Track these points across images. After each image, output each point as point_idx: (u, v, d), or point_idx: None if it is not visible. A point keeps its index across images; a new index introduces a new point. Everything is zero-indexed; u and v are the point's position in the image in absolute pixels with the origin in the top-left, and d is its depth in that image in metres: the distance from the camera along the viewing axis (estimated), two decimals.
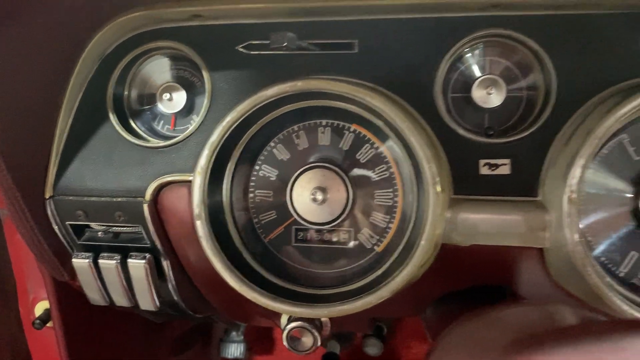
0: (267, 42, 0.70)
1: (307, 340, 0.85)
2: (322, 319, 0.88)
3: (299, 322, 0.83)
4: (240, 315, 0.97)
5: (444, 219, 0.69)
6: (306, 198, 0.74)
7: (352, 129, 0.77)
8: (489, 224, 0.69)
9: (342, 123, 0.77)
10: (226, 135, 0.70)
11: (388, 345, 1.48)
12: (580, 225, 0.72)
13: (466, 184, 0.71)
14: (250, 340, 1.58)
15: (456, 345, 0.52)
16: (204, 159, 0.70)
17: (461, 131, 0.72)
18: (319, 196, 0.72)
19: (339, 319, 0.83)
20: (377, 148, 0.76)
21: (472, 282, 0.79)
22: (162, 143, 0.77)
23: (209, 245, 0.71)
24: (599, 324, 0.41)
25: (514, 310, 0.53)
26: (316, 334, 0.85)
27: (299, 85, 0.68)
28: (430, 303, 0.86)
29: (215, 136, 0.69)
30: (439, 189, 0.67)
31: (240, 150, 0.76)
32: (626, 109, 0.63)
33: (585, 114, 0.69)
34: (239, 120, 0.70)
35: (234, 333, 1.50)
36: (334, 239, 0.78)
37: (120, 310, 0.92)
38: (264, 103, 0.70)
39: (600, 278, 0.65)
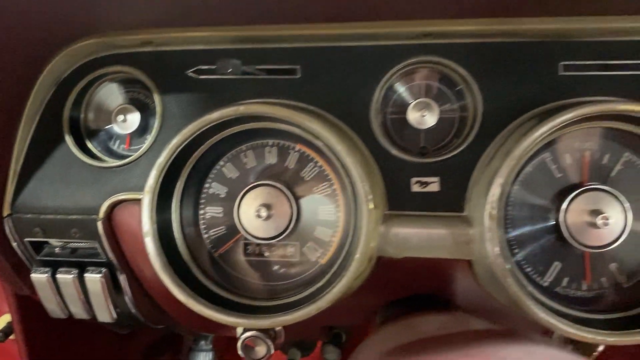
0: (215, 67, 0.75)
1: (261, 349, 0.89)
2: (277, 328, 0.92)
3: (253, 332, 0.87)
4: (197, 325, 1.01)
5: (378, 234, 0.74)
6: (252, 214, 0.78)
7: (297, 149, 0.81)
8: (418, 237, 0.74)
9: (287, 143, 0.81)
10: (173, 157, 0.74)
11: (347, 351, 1.52)
12: (508, 237, 0.77)
13: (399, 201, 0.76)
14: (221, 349, 1.61)
15: (371, 346, 0.57)
16: (152, 179, 0.74)
17: (394, 152, 0.77)
18: (263, 213, 0.77)
19: (293, 328, 0.88)
20: (320, 166, 0.81)
21: (410, 291, 0.84)
22: (115, 163, 0.81)
23: (158, 261, 0.75)
24: (475, 332, 0.45)
25: (421, 319, 0.58)
26: (269, 343, 0.89)
27: (240, 109, 0.73)
28: (378, 310, 0.91)
29: (163, 158, 0.74)
30: (371, 205, 0.72)
31: (190, 169, 0.80)
32: (540, 132, 0.69)
33: (506, 136, 0.74)
34: (185, 143, 0.74)
35: (202, 342, 1.53)
36: (281, 253, 0.82)
37: (85, 322, 0.95)
38: (208, 126, 0.74)
39: (519, 288, 0.70)
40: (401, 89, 0.82)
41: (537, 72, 0.76)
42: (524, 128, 0.72)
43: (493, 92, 0.76)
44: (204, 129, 0.74)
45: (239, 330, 0.89)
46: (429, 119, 0.80)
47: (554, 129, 0.69)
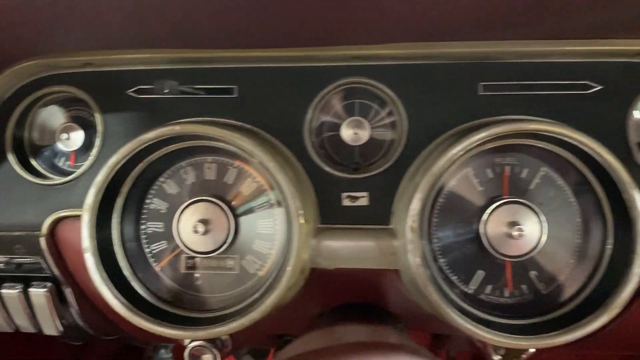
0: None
1: (207, 358, 0.92)
2: (223, 338, 0.95)
3: (199, 342, 0.90)
4: (143, 336, 1.03)
5: (309, 246, 0.78)
6: (191, 229, 0.82)
7: (235, 165, 0.85)
8: (348, 249, 0.78)
9: (226, 159, 0.85)
10: (111, 175, 0.77)
11: None
12: (433, 247, 0.82)
13: (330, 215, 0.81)
14: (180, 356, 1.62)
15: (294, 349, 0.60)
16: (90, 197, 0.77)
17: (327, 168, 0.81)
18: (200, 228, 0.80)
19: (240, 336, 0.91)
20: (258, 182, 0.84)
21: (344, 300, 0.88)
22: (57, 181, 0.84)
23: (97, 276, 0.77)
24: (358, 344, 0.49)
25: (339, 328, 0.62)
26: (216, 352, 0.93)
27: (176, 129, 0.76)
28: (318, 319, 0.95)
29: (101, 176, 0.76)
30: (302, 220, 0.76)
31: (130, 186, 0.83)
32: (455, 150, 0.74)
33: (428, 154, 0.79)
34: (123, 161, 0.77)
35: (162, 350, 1.55)
36: (221, 265, 0.86)
37: (37, 334, 0.96)
38: (146, 145, 0.77)
39: (439, 296, 0.74)
40: (335, 107, 0.86)
41: (458, 92, 0.81)
42: (444, 146, 0.77)
43: (417, 111, 0.81)
44: (140, 148, 0.77)
45: (187, 339, 0.92)
46: (361, 136, 0.84)
47: (470, 147, 0.74)
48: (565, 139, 0.73)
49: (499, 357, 0.94)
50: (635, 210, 0.72)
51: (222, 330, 0.77)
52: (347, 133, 0.84)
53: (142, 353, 1.61)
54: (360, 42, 0.80)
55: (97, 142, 0.84)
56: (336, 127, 0.85)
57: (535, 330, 0.77)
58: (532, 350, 0.92)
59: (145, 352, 1.61)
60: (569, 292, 0.80)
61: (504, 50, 0.80)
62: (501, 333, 0.73)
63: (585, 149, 0.73)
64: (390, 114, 0.84)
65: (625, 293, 0.72)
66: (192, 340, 0.90)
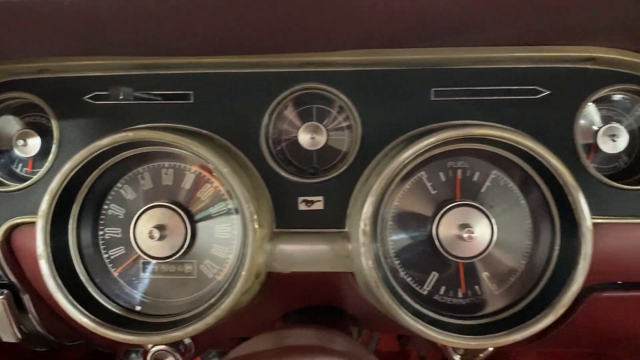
0: None
1: None
2: (186, 342, 0.95)
3: (162, 346, 0.90)
4: (104, 341, 1.03)
5: (264, 251, 0.79)
6: (147, 235, 0.82)
7: (192, 170, 0.85)
8: (303, 253, 0.80)
9: (183, 165, 0.85)
10: (65, 182, 0.77)
11: None
12: (388, 249, 0.83)
13: (286, 219, 0.82)
14: None
15: (238, 350, 0.61)
16: (44, 204, 0.77)
17: (283, 173, 0.82)
18: (156, 234, 0.80)
19: (203, 340, 0.91)
20: (216, 187, 0.85)
21: (304, 303, 0.89)
22: (13, 187, 0.83)
23: (52, 282, 0.77)
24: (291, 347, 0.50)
25: (289, 332, 0.63)
26: (178, 356, 0.93)
27: (130, 135, 0.76)
28: (279, 321, 0.95)
29: (55, 183, 0.76)
30: (256, 225, 0.77)
31: (86, 192, 0.83)
32: (405, 155, 0.75)
33: (381, 158, 0.80)
34: (77, 168, 0.77)
35: (133, 355, 1.54)
36: (179, 270, 0.86)
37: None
38: (100, 152, 0.77)
39: (391, 297, 0.76)
40: (293, 113, 0.87)
41: (411, 98, 0.82)
42: (395, 150, 0.78)
43: (371, 116, 0.82)
44: (94, 154, 0.77)
45: (150, 344, 0.92)
46: (319, 141, 0.85)
47: (420, 151, 0.76)
48: (512, 143, 0.75)
49: (459, 356, 0.96)
50: (580, 212, 0.74)
51: (176, 335, 0.77)
52: (304, 138, 0.85)
53: (113, 359, 1.60)
54: (315, 49, 0.81)
55: (53, 148, 0.84)
56: (294, 132, 0.86)
57: (486, 330, 0.79)
58: (490, 349, 0.95)
59: (117, 357, 1.60)
60: (519, 292, 0.82)
61: (455, 56, 0.81)
62: (449, 333, 0.75)
63: (532, 153, 0.75)
64: (346, 118, 0.85)
65: (570, 293, 0.74)
66: (155, 345, 0.90)
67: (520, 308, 0.81)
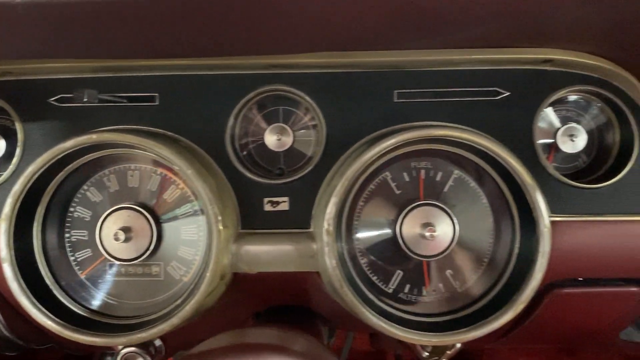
0: None
1: None
2: (157, 343, 0.95)
3: (132, 348, 0.90)
4: (72, 344, 1.03)
5: (229, 252, 0.79)
6: (113, 237, 0.82)
7: (159, 172, 0.85)
8: (268, 254, 0.80)
9: (149, 167, 0.85)
10: (29, 185, 0.76)
11: None
12: (353, 248, 0.84)
13: (252, 220, 0.82)
14: None
15: (198, 347, 0.62)
16: (7, 207, 0.76)
17: (248, 174, 0.83)
18: (121, 236, 0.80)
19: (173, 342, 0.91)
20: (182, 189, 0.85)
21: (272, 303, 0.90)
22: None
23: (16, 286, 0.77)
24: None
25: (253, 330, 0.64)
26: (148, 358, 0.93)
27: (94, 138, 0.77)
28: (250, 321, 0.96)
29: (18, 186, 0.76)
30: (220, 226, 0.77)
31: (51, 194, 0.83)
32: (368, 156, 0.76)
33: (345, 159, 0.81)
34: (41, 171, 0.76)
35: (108, 358, 1.53)
36: (146, 272, 0.86)
37: None
38: (64, 154, 0.77)
39: (354, 296, 0.77)
40: (259, 114, 0.88)
41: (374, 100, 0.83)
42: (359, 151, 0.79)
43: (336, 118, 0.83)
44: (58, 157, 0.77)
45: (120, 346, 0.92)
46: (285, 142, 0.86)
47: (382, 152, 0.77)
48: (471, 144, 0.77)
49: (427, 353, 0.97)
50: (538, 210, 0.76)
51: (142, 337, 0.77)
52: (270, 139, 0.86)
53: None
54: (280, 52, 0.82)
55: (18, 151, 0.84)
56: (260, 134, 0.86)
57: (449, 326, 0.80)
58: (458, 345, 0.96)
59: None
60: (482, 289, 0.84)
61: (417, 59, 0.83)
62: (411, 330, 0.76)
63: (490, 153, 0.76)
64: (312, 120, 0.86)
65: (529, 289, 0.76)
66: (125, 347, 0.90)
67: (483, 305, 0.83)
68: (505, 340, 1.06)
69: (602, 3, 0.64)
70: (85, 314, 0.83)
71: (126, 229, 0.81)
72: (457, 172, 0.85)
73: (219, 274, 0.78)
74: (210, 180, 0.79)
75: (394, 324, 0.77)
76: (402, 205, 0.84)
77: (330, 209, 0.76)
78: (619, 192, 0.81)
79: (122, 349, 0.91)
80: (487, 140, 0.76)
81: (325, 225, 0.77)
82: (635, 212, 0.81)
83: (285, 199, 0.82)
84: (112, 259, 0.83)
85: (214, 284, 0.78)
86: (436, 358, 0.97)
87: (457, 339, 0.77)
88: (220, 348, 0.50)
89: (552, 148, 0.87)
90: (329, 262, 0.76)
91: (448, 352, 0.95)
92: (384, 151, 0.77)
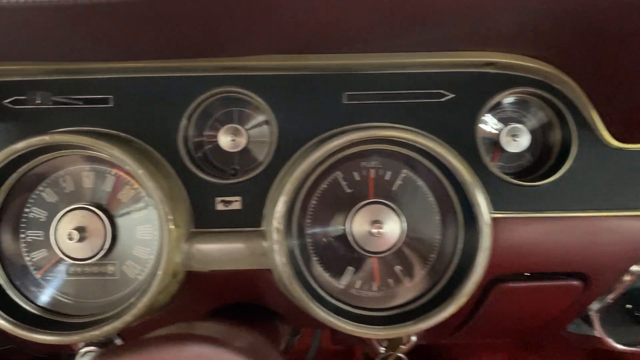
0: None
1: None
2: (117, 342, 0.97)
3: (91, 347, 0.91)
4: (36, 345, 1.03)
5: (181, 250, 0.81)
6: (67, 237, 0.83)
7: (113, 173, 0.87)
8: (220, 252, 0.82)
9: (104, 167, 0.87)
10: None
11: None
12: (309, 246, 0.87)
13: (204, 219, 0.84)
14: None
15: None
16: None
17: (200, 174, 0.85)
18: (75, 236, 0.81)
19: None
20: (136, 189, 0.87)
21: (228, 301, 0.92)
22: None
23: None
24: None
25: (194, 324, 0.66)
26: None
27: (46, 139, 0.78)
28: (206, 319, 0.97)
29: None
30: (171, 225, 0.79)
31: (5, 195, 0.84)
32: (316, 156, 0.79)
33: (296, 159, 0.84)
34: None
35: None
36: (102, 271, 0.87)
37: None
38: (16, 155, 0.78)
39: (303, 292, 0.79)
40: (214, 115, 0.90)
41: (325, 101, 0.86)
42: (307, 152, 0.82)
43: (287, 119, 0.85)
44: (10, 158, 0.78)
45: (80, 345, 0.93)
46: (239, 143, 0.88)
47: (330, 152, 0.80)
48: (414, 144, 0.80)
49: (384, 348, 1.00)
50: (477, 207, 0.79)
51: (94, 334, 0.79)
52: (224, 140, 0.88)
53: None
54: (232, 54, 0.84)
55: None
56: (215, 135, 0.88)
57: (398, 320, 0.83)
58: (413, 339, 0.99)
59: None
60: (429, 284, 0.87)
61: (366, 62, 0.86)
62: (358, 324, 0.79)
63: (432, 152, 0.79)
64: (266, 121, 0.88)
65: (471, 283, 0.79)
66: (85, 346, 0.91)
67: (428, 299, 0.85)
68: (460, 335, 1.09)
69: (540, 10, 0.67)
70: (39, 313, 0.84)
71: (80, 229, 0.83)
72: (405, 172, 0.88)
73: (170, 272, 0.80)
74: (162, 181, 0.80)
75: (341, 319, 0.79)
76: (352, 203, 0.86)
77: (279, 208, 0.79)
78: (558, 189, 0.84)
79: (82, 348, 0.92)
80: (429, 140, 0.79)
81: (275, 224, 0.79)
82: (574, 208, 0.84)
83: (238, 198, 0.84)
84: (67, 259, 0.84)
85: (166, 282, 0.79)
86: (391, 352, 1.00)
87: (403, 332, 0.80)
88: (151, 338, 0.51)
89: (498, 148, 0.90)
90: (279, 260, 0.79)
91: (402, 346, 0.98)
92: (331, 152, 0.80)
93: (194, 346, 0.46)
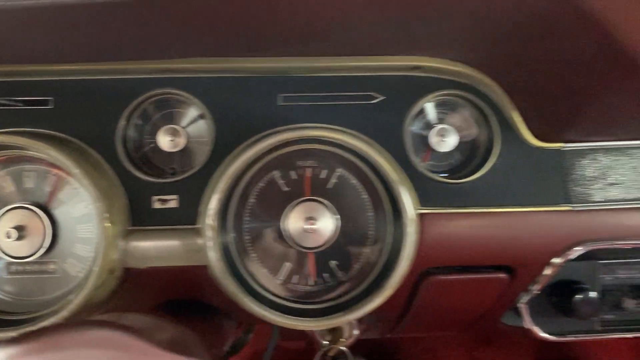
0: None
1: None
2: None
3: None
4: None
5: (117, 248, 0.84)
6: (5, 236, 0.85)
7: (53, 172, 0.89)
8: (156, 249, 0.85)
9: (44, 167, 0.89)
10: None
11: None
12: (247, 242, 0.90)
13: (141, 217, 0.87)
14: None
15: None
16: None
17: (138, 174, 0.87)
18: (13, 234, 0.83)
19: None
20: (76, 188, 0.89)
21: (169, 296, 0.94)
22: None
23: None
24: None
25: (126, 315, 0.69)
26: None
27: None
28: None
29: None
30: (107, 223, 0.81)
31: None
32: (248, 155, 0.82)
33: (231, 159, 0.87)
34: None
35: None
36: (43, 269, 0.89)
37: None
38: None
39: (236, 287, 0.83)
40: (153, 116, 0.92)
41: (260, 103, 0.89)
42: (241, 152, 0.85)
43: (224, 120, 0.88)
44: None
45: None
46: (178, 143, 0.91)
47: (261, 152, 0.83)
48: (343, 143, 0.84)
49: (327, 342, 1.04)
50: (402, 204, 0.83)
51: (32, 330, 0.80)
52: (163, 140, 0.90)
53: None
54: (170, 56, 0.87)
55: None
56: (154, 135, 0.91)
57: (329, 312, 0.87)
58: (356, 332, 1.03)
59: None
60: (362, 277, 0.91)
61: (300, 65, 0.89)
62: (290, 316, 0.82)
63: (359, 151, 0.83)
64: (204, 122, 0.91)
65: (396, 276, 0.83)
66: None
67: (360, 291, 0.89)
68: (402, 329, 1.13)
69: (461, 15, 0.71)
70: None
71: (19, 228, 0.85)
72: (340, 170, 0.91)
73: (107, 268, 0.82)
74: (99, 180, 0.83)
75: (273, 311, 0.83)
76: (289, 201, 0.90)
77: (212, 206, 0.82)
78: (482, 186, 0.89)
79: None
80: (356, 140, 0.83)
81: (208, 221, 0.82)
82: (496, 204, 0.89)
83: (174, 197, 0.87)
84: (7, 258, 0.86)
85: (102, 278, 0.82)
86: (333, 345, 1.03)
87: (331, 323, 0.84)
88: (55, 324, 0.54)
89: (428, 148, 0.94)
90: (212, 256, 0.82)
91: (342, 339, 1.02)
92: (263, 151, 0.83)
93: (95, 331, 0.49)
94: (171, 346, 0.65)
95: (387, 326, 1.12)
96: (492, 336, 1.70)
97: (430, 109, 0.94)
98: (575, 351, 1.77)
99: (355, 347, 1.81)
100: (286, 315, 0.83)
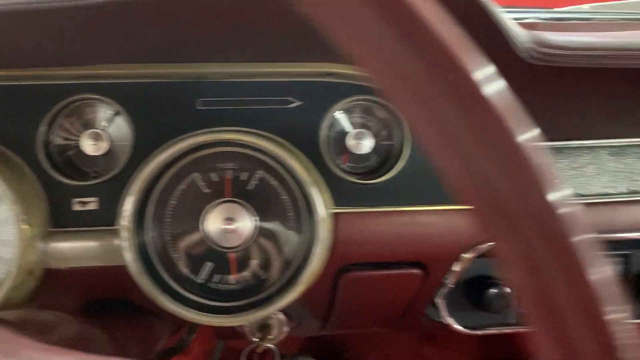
0: None
1: None
2: None
3: None
4: None
5: (36, 249, 0.86)
6: None
7: None
8: (75, 250, 0.87)
9: None
10: None
11: None
12: (168, 245, 0.93)
13: (61, 219, 0.89)
14: None
15: None
16: None
17: (58, 177, 0.89)
18: None
19: None
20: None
21: (94, 296, 0.97)
22: None
23: None
24: None
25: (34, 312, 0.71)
26: None
27: None
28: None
29: None
30: (24, 225, 0.83)
31: None
32: (161, 158, 0.85)
33: (148, 161, 0.90)
34: None
35: None
36: None
37: None
38: None
39: (153, 286, 0.85)
40: (78, 121, 0.95)
41: (180, 107, 0.92)
42: (157, 154, 0.88)
43: (144, 124, 0.91)
44: None
45: None
46: (101, 147, 0.93)
47: (176, 154, 0.86)
48: (256, 146, 0.87)
49: (257, 339, 1.07)
50: (313, 203, 0.87)
51: None
52: (86, 144, 0.92)
53: None
54: (88, 63, 0.89)
55: None
56: (76, 140, 0.93)
57: (247, 309, 0.90)
58: (286, 329, 1.07)
59: None
60: (279, 275, 0.95)
61: (219, 70, 0.93)
62: (204, 313, 0.86)
63: (271, 154, 0.87)
64: (126, 126, 0.94)
65: (307, 274, 0.87)
66: None
67: (276, 288, 0.93)
68: (331, 326, 1.17)
69: None
70: None
71: None
72: (259, 172, 0.95)
73: (25, 269, 0.84)
74: (16, 183, 0.85)
75: (189, 309, 0.86)
76: (209, 202, 0.93)
77: (127, 207, 0.85)
78: (392, 187, 0.94)
79: None
80: (269, 143, 0.87)
81: (123, 222, 0.85)
82: (406, 204, 0.94)
83: (94, 199, 0.90)
84: None
85: (20, 279, 0.84)
86: (260, 343, 1.07)
87: (247, 318, 0.88)
88: None
89: (346, 150, 0.99)
90: (128, 256, 0.85)
91: (270, 336, 1.06)
92: (178, 154, 0.86)
93: None
94: (74, 341, 0.67)
95: (316, 323, 1.16)
96: (437, 334, 1.75)
97: (341, 116, 0.98)
98: (520, 347, 1.84)
99: (304, 346, 1.85)
100: (200, 312, 0.86)
